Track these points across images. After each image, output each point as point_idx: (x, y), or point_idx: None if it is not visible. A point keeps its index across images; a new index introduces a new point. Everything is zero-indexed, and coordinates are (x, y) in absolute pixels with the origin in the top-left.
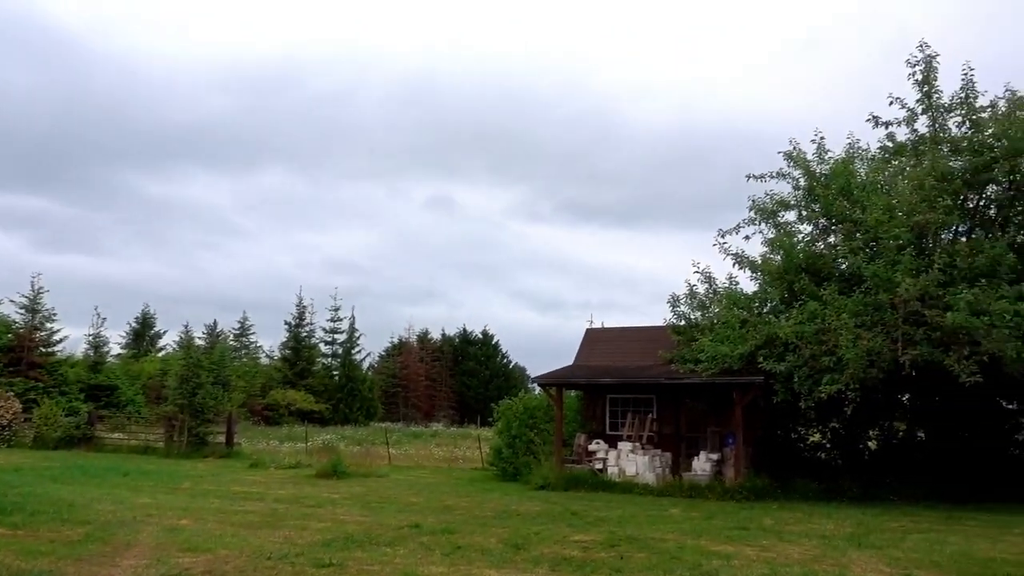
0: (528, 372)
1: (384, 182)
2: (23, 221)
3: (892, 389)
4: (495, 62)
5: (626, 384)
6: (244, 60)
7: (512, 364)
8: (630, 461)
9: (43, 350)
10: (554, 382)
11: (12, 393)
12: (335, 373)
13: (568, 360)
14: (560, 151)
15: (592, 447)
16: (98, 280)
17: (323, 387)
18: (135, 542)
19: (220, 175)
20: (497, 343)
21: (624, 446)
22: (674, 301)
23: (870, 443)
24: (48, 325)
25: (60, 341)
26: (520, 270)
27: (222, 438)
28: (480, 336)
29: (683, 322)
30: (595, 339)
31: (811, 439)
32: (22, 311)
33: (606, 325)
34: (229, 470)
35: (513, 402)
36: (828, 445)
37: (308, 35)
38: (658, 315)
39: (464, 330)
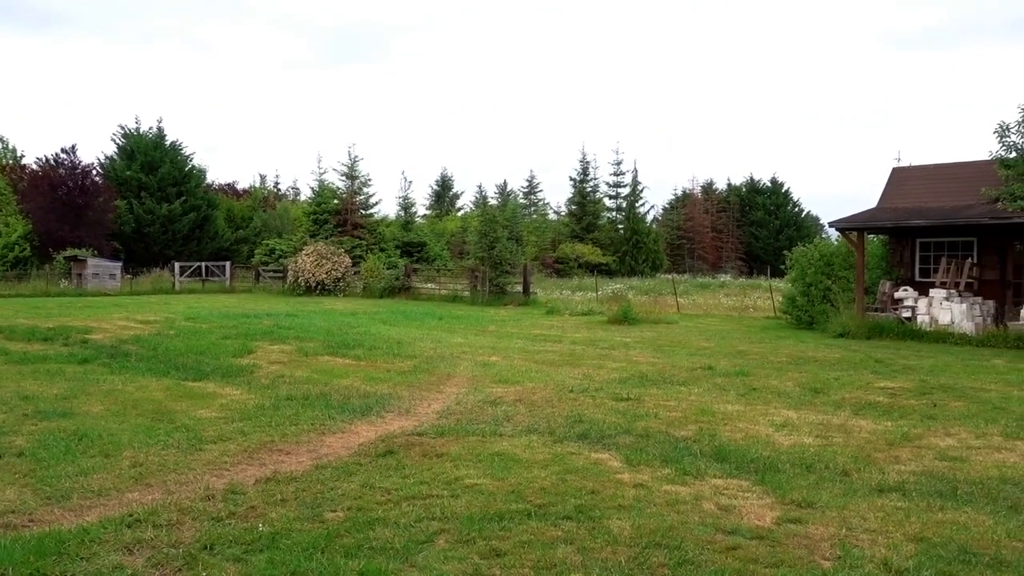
0: (821, 221)
1: None
2: None
3: None
4: None
5: (940, 226)
6: None
7: (804, 213)
8: (944, 309)
9: (363, 212)
10: (855, 226)
11: (343, 250)
12: (620, 227)
13: (865, 207)
14: None
15: (899, 294)
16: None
17: (609, 240)
18: (454, 374)
19: None
20: (788, 191)
21: (937, 293)
22: (1003, 130)
23: None
24: (365, 190)
25: (375, 204)
26: (807, 111)
27: (519, 288)
28: (768, 185)
29: (1014, 154)
30: (903, 179)
31: None
32: (343, 178)
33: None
34: (528, 316)
35: (808, 249)
36: None
37: None
38: (971, 153)
39: (751, 179)
